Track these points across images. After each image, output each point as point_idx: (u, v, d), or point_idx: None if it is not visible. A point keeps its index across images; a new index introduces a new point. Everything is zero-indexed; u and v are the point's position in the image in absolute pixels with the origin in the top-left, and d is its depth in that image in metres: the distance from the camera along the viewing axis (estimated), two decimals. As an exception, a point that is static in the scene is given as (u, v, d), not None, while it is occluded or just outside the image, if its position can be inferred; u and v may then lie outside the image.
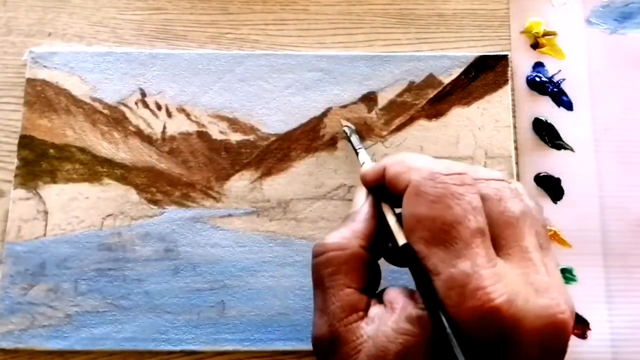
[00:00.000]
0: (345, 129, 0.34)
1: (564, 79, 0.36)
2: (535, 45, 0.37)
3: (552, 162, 0.35)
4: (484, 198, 0.22)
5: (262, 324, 0.33)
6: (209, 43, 0.37)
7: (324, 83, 0.36)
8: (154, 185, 0.34)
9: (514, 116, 0.36)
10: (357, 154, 0.32)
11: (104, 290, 0.33)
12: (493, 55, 0.36)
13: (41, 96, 0.35)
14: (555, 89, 0.36)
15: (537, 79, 0.36)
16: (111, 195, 0.34)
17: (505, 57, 0.36)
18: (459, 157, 0.35)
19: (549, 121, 0.36)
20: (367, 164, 0.30)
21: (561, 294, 0.21)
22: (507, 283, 0.20)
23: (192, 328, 0.32)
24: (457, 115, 0.36)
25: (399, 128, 0.35)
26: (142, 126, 0.35)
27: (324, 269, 0.24)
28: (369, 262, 0.24)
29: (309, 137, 0.35)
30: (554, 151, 0.35)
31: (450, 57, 0.36)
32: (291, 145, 0.35)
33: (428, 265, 0.21)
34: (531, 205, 0.23)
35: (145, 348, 0.32)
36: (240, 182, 0.35)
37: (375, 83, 0.36)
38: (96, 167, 0.35)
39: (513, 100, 0.36)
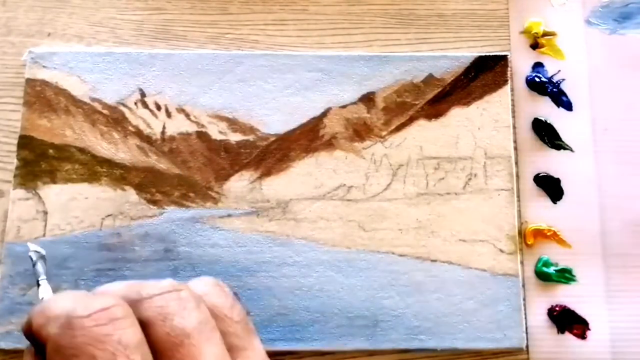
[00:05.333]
0: (32, 254, 0.27)
1: (563, 79, 0.36)
2: (535, 46, 0.37)
3: (551, 162, 0.35)
4: (147, 324, 0.20)
5: (262, 324, 0.32)
6: (209, 43, 0.37)
7: (324, 83, 0.36)
8: (153, 186, 0.34)
9: (513, 116, 0.36)
10: (37, 285, 0.26)
11: (103, 291, 0.33)
12: (492, 56, 0.36)
13: (41, 96, 0.35)
14: (554, 89, 0.36)
15: (537, 79, 0.36)
16: (110, 195, 0.34)
17: (504, 58, 0.36)
18: (458, 157, 0.35)
19: (548, 121, 0.36)
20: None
21: None
22: None
23: (191, 328, 0.32)
24: (457, 115, 0.36)
25: (398, 128, 0.35)
26: (142, 126, 0.35)
27: None
28: None
29: (309, 138, 0.35)
30: (554, 151, 0.35)
31: (449, 58, 0.36)
32: (290, 146, 0.35)
33: None
34: (212, 306, 0.22)
35: (144, 348, 0.32)
36: (239, 183, 0.35)
37: (375, 83, 0.36)
38: (95, 167, 0.35)
39: (513, 100, 0.36)
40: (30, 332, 0.21)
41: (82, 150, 0.35)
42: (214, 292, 0.23)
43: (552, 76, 0.36)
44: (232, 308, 0.23)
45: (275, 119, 0.35)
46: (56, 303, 0.20)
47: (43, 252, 0.27)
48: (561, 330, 0.33)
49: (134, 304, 0.20)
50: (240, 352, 0.22)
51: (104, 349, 0.19)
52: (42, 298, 0.25)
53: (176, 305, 0.21)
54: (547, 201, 0.35)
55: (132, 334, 0.19)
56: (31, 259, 0.27)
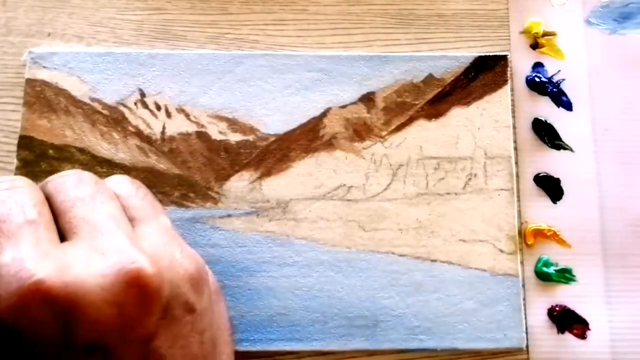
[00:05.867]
0: None
1: (563, 79, 0.36)
2: (535, 46, 0.37)
3: (551, 162, 0.35)
4: (49, 196, 0.22)
5: (262, 324, 0.33)
6: (209, 43, 0.37)
7: (324, 83, 0.36)
8: (153, 186, 0.34)
9: (513, 116, 0.36)
10: None
11: (103, 291, 0.33)
12: (492, 56, 0.36)
13: (40, 96, 0.35)
14: (554, 89, 0.36)
15: (537, 79, 0.36)
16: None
17: (504, 58, 0.36)
18: (458, 157, 0.35)
19: (548, 121, 0.36)
20: None
21: (145, 250, 0.21)
22: (59, 258, 0.20)
23: (191, 328, 0.32)
24: (457, 115, 0.36)
25: (398, 128, 0.35)
26: (142, 126, 0.35)
27: None
28: None
29: (309, 138, 0.35)
30: (554, 151, 0.35)
31: (449, 58, 0.36)
32: (290, 146, 0.35)
33: None
34: (118, 191, 0.24)
35: (144, 348, 0.32)
36: (239, 183, 0.35)
37: (375, 83, 0.36)
38: (95, 168, 0.35)
39: (512, 100, 0.36)
40: None
41: (82, 150, 0.35)
42: (122, 181, 0.25)
43: (552, 76, 0.36)
44: (137, 190, 0.25)
45: (275, 119, 0.35)
46: None
47: None
48: (561, 330, 0.33)
49: (41, 186, 0.23)
50: (141, 221, 0.23)
51: (3, 205, 0.21)
52: None
53: (73, 181, 0.23)
54: (547, 201, 0.35)
55: (30, 196, 0.22)
56: None
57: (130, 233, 0.22)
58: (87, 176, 0.24)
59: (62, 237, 0.22)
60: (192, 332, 0.22)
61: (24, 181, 0.22)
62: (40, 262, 0.19)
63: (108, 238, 0.21)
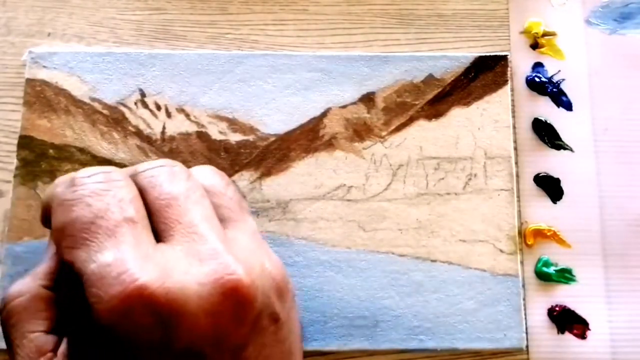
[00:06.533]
0: None
1: (563, 79, 0.36)
2: (535, 46, 0.37)
3: (551, 162, 0.35)
4: (141, 190, 0.22)
5: (262, 324, 0.32)
6: (209, 43, 0.37)
7: (324, 83, 0.36)
8: (153, 186, 0.34)
9: (513, 116, 0.36)
10: None
11: (103, 291, 0.33)
12: (492, 56, 0.36)
13: (40, 96, 0.35)
14: (554, 89, 0.36)
15: (537, 79, 0.36)
16: (110, 195, 0.34)
17: (504, 58, 0.36)
18: (458, 157, 0.35)
19: (548, 121, 0.36)
20: None
21: (239, 258, 0.20)
22: (159, 262, 0.19)
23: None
24: (457, 115, 0.36)
25: (398, 128, 0.35)
26: (142, 126, 0.35)
27: (7, 322, 0.22)
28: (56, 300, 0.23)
29: (309, 138, 0.35)
30: (554, 151, 0.35)
31: (449, 58, 0.36)
32: (290, 146, 0.35)
33: (76, 271, 0.20)
34: (200, 182, 0.23)
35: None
36: (239, 183, 0.35)
37: (375, 83, 0.36)
38: (95, 168, 0.35)
39: (512, 100, 0.36)
40: (43, 210, 0.23)
41: (82, 150, 0.35)
42: (210, 173, 0.24)
43: (552, 76, 0.36)
44: (227, 186, 0.24)
45: (275, 119, 0.35)
46: (63, 176, 0.23)
47: None
48: (561, 330, 0.33)
49: (132, 177, 0.22)
50: (231, 223, 0.23)
51: (100, 200, 0.21)
52: None
53: (167, 175, 0.22)
54: (547, 201, 0.35)
55: (127, 191, 0.21)
56: None
57: (224, 237, 0.21)
58: (180, 170, 0.23)
59: (156, 235, 0.21)
60: (275, 342, 0.22)
61: (119, 174, 0.22)
62: (142, 265, 0.19)
63: (204, 242, 0.21)
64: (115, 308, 0.18)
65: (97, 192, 0.21)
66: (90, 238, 0.20)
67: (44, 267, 0.23)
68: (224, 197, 0.23)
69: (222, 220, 0.23)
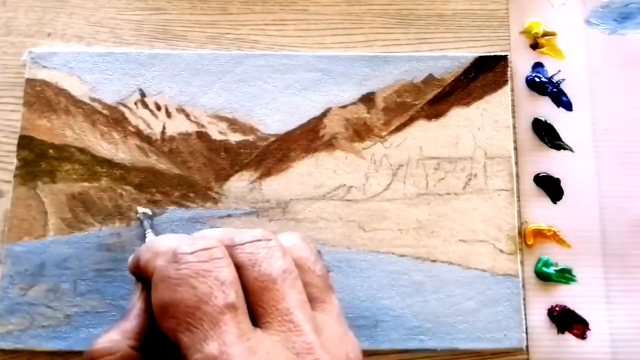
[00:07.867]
0: (140, 215, 0.33)
1: (563, 79, 0.36)
2: (535, 46, 0.37)
3: (551, 162, 0.35)
4: (239, 266, 0.22)
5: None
6: (209, 43, 0.37)
7: (324, 83, 0.36)
8: (153, 186, 0.34)
9: (513, 116, 0.36)
10: (144, 238, 0.32)
11: (103, 291, 0.33)
12: (492, 56, 0.36)
13: (40, 96, 0.35)
14: (554, 89, 0.36)
15: (537, 79, 0.36)
16: (110, 195, 0.34)
17: (504, 58, 0.36)
18: (458, 157, 0.35)
19: (548, 121, 0.36)
20: None
21: (329, 350, 0.21)
22: (262, 356, 0.20)
23: (191, 328, 0.32)
24: (457, 115, 0.36)
25: (398, 128, 0.35)
26: (142, 126, 0.35)
27: None
28: None
29: (309, 138, 0.35)
30: (554, 151, 0.35)
31: (449, 58, 0.36)
32: (290, 146, 0.35)
33: (182, 356, 0.20)
34: (297, 258, 0.23)
35: (144, 348, 0.32)
36: (239, 183, 0.35)
37: (375, 83, 0.36)
38: (95, 168, 0.35)
39: (512, 100, 0.36)
40: (137, 268, 0.23)
41: (82, 150, 0.35)
42: (299, 246, 0.24)
43: (552, 76, 0.36)
44: (315, 262, 0.24)
45: (275, 119, 0.35)
46: (163, 241, 0.23)
47: (149, 212, 0.34)
48: (561, 330, 0.33)
49: (228, 249, 0.22)
50: (319, 304, 0.23)
51: (204, 282, 0.20)
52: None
53: (265, 253, 0.22)
54: (547, 201, 0.35)
55: (228, 272, 0.21)
56: (139, 219, 0.34)
57: (316, 326, 0.21)
58: (276, 246, 0.23)
59: (251, 317, 0.21)
60: None
61: (221, 251, 0.21)
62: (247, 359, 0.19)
63: (299, 333, 0.21)
64: None
65: (201, 273, 0.21)
66: (194, 324, 0.20)
67: (132, 325, 0.23)
68: (313, 275, 0.24)
69: (311, 299, 0.23)
